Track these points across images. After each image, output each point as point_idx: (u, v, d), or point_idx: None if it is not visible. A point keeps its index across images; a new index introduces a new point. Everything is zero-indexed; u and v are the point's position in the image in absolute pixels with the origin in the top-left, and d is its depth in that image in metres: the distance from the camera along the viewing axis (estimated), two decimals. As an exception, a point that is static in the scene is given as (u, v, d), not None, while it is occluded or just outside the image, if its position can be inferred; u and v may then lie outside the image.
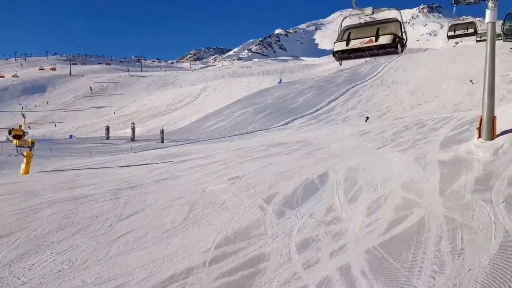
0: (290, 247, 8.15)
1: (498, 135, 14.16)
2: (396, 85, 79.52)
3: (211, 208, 11.53)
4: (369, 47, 8.20)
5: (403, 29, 8.19)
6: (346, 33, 8.95)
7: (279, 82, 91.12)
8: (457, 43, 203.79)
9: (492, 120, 14.17)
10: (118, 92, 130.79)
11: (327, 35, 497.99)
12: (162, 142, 41.75)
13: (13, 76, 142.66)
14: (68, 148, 38.20)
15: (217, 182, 14.80)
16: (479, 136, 14.40)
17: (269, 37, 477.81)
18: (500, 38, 29.06)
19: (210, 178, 15.78)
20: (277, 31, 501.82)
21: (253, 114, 61.62)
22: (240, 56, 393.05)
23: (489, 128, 14.14)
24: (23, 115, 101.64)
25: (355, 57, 9.08)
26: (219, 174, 16.29)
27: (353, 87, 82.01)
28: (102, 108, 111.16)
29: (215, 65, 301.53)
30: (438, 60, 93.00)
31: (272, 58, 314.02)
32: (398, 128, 30.54)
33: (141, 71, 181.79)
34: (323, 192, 12.18)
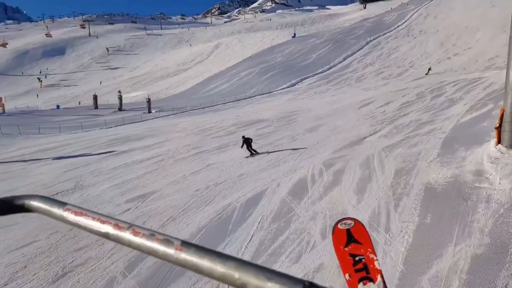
0: None
1: (529, 139, 8.86)
2: (424, 35, 70.66)
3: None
4: None
5: None
6: None
7: (292, 37, 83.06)
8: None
9: (520, 114, 8.81)
10: (134, 52, 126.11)
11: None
12: (149, 112, 37.56)
13: (46, 36, 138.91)
14: (47, 122, 34.80)
15: (108, 206, 10.42)
16: (498, 141, 9.14)
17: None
18: None
19: (115, 193, 11.46)
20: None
21: (258, 74, 55.64)
22: (263, 8, 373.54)
23: (515, 129, 8.82)
24: (39, 79, 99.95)
25: None
26: (130, 187, 11.89)
27: (375, 39, 73.55)
28: (116, 70, 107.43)
29: (239, 18, 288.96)
30: (474, 3, 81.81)
31: (297, 8, 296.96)
32: (409, 97, 24.83)
33: (161, 28, 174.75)
34: (229, 244, 7.60)
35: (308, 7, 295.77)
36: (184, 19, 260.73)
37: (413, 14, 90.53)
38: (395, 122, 17.14)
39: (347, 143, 14.20)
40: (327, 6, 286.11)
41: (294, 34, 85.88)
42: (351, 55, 65.39)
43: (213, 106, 37.21)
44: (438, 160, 9.82)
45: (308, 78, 53.60)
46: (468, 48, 55.47)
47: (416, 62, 55.57)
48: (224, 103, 38.41)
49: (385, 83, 40.05)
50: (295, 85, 49.93)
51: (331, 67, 58.92)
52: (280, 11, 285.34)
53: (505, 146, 8.90)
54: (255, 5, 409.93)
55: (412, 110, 19.72)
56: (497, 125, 9.12)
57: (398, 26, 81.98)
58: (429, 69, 41.37)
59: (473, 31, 61.36)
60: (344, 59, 63.37)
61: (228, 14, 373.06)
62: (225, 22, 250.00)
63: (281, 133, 17.90)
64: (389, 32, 78.04)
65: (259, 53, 73.87)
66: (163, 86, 67.97)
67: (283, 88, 47.71)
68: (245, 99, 41.08)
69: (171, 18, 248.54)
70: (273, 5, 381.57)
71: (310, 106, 28.01)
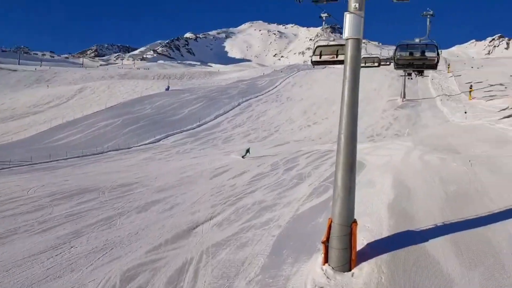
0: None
1: (359, 259, 7.29)
2: (290, 102, 75.44)
3: None
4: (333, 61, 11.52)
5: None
6: (318, 50, 11.95)
7: (166, 89, 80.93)
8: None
9: (349, 229, 7.24)
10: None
11: (237, 44, 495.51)
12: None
13: None
14: None
15: None
16: (326, 260, 7.41)
17: (177, 39, 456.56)
18: (375, 64, 24.97)
19: None
20: (187, 34, 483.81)
21: (120, 126, 51.07)
22: (144, 56, 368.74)
23: (343, 247, 7.18)
24: None
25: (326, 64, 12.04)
26: None
27: (247, 100, 75.93)
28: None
29: (117, 63, 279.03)
30: (334, 79, 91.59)
31: (179, 61, 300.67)
32: (264, 167, 23.85)
33: (19, 63, 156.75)
34: None
35: (190, 62, 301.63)
36: (53, 56, 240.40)
37: (282, 81, 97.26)
38: (239, 202, 15.23)
39: (173, 235, 11.50)
40: (209, 63, 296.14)
41: (168, 86, 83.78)
42: (223, 114, 65.56)
43: (47, 162, 31.37)
44: (259, 280, 7.67)
45: (175, 134, 51.08)
46: (326, 118, 60.10)
47: (281, 127, 57.84)
48: (65, 158, 32.91)
49: (249, 147, 39.66)
50: (159, 141, 46.77)
51: (201, 125, 57.67)
52: (161, 61, 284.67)
53: (333, 268, 7.16)
54: (136, 52, 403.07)
55: (261, 186, 18.30)
56: (324, 239, 7.41)
57: (269, 91, 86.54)
58: (247, 151, 30.19)
59: (331, 103, 67.27)
60: (215, 117, 63.04)
61: (107, 57, 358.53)
62: (100, 65, 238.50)
63: (102, 212, 14.38)
64: (260, 95, 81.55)
65: (127, 102, 69.30)
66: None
67: (144, 144, 44.08)
68: (95, 154, 36.17)
69: (37, 53, 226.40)
70: (155, 55, 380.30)
71: (162, 171, 25.09)
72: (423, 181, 12.10)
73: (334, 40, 12.40)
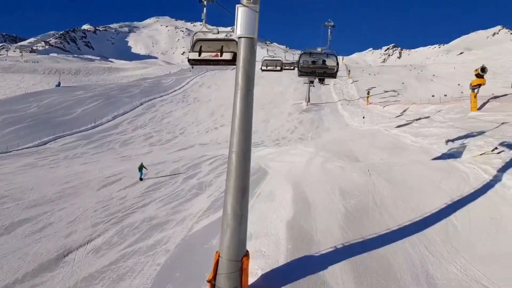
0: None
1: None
2: (197, 103, 73.65)
3: None
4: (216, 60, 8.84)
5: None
6: (198, 45, 9.42)
7: (57, 86, 73.03)
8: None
9: (239, 264, 6.10)
10: None
11: (141, 39, 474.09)
12: None
13: None
14: None
15: None
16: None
17: (73, 31, 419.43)
18: (278, 68, 24.75)
19: None
20: (85, 26, 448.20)
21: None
22: (35, 47, 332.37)
23: (232, 285, 6.01)
24: None
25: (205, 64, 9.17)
26: None
27: (150, 100, 72.19)
28: None
29: (1, 54, 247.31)
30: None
31: (76, 55, 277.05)
32: (163, 175, 22.04)
33: None
34: None
35: (89, 56, 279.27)
36: None
37: (190, 81, 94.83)
38: (126, 219, 13.36)
39: (36, 267, 9.34)
40: (110, 59, 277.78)
41: (59, 82, 75.87)
42: (123, 114, 61.14)
43: None
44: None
45: (65, 136, 45.87)
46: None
47: (187, 129, 55.83)
48: None
49: (149, 151, 37.08)
50: (45, 144, 41.48)
51: (96, 126, 52.82)
52: (54, 54, 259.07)
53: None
54: (24, 43, 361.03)
55: (155, 198, 16.52)
56: (210, 277, 6.18)
57: (175, 91, 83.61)
58: (141, 168, 21.29)
59: (237, 105, 67.12)
60: (114, 118, 58.43)
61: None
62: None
63: None
64: (165, 95, 78.32)
65: (8, 99, 60.85)
66: None
67: (27, 148, 38.66)
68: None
69: None
70: (47, 47, 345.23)
71: (42, 180, 21.67)
72: (324, 194, 11.63)
73: (218, 33, 9.80)
